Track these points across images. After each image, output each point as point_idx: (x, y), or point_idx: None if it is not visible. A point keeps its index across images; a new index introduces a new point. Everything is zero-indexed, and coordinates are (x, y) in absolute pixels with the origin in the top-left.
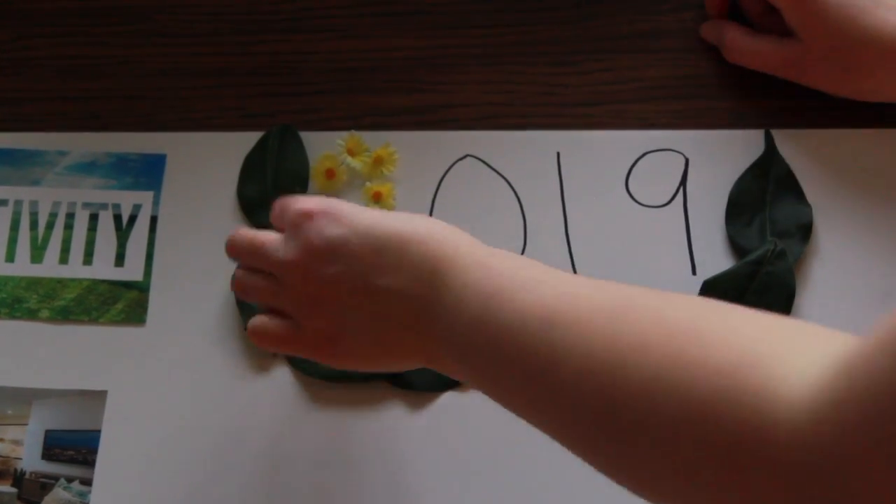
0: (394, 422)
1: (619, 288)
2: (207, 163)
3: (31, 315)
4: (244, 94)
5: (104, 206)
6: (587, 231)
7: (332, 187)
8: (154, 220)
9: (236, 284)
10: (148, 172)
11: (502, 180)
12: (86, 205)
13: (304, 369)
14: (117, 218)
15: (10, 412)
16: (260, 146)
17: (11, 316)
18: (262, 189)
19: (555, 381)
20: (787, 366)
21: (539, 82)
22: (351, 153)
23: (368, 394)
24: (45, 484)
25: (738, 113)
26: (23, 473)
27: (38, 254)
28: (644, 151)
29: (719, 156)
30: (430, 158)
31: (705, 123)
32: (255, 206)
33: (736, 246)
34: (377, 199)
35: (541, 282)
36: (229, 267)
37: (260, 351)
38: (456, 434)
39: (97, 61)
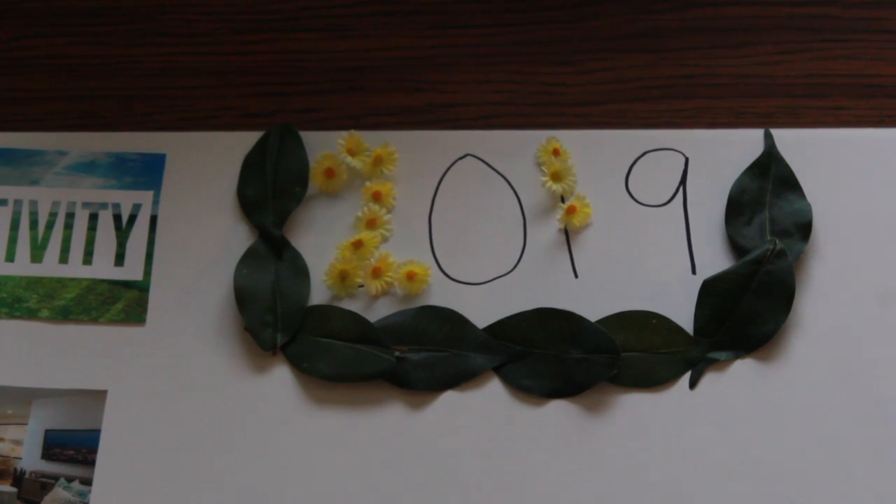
0: (394, 422)
1: None
2: (207, 162)
3: (31, 315)
4: (244, 94)
5: (104, 206)
6: (587, 231)
7: (331, 186)
8: (154, 219)
9: None
10: (148, 172)
11: (502, 180)
12: (85, 204)
13: (304, 369)
14: (117, 218)
15: (10, 412)
16: (260, 146)
17: (11, 316)
18: (262, 189)
19: None
20: None
21: (539, 82)
22: (351, 152)
23: (368, 394)
24: (45, 483)
25: (738, 113)
26: (23, 473)
27: (37, 253)
28: (644, 151)
29: (719, 155)
30: (430, 158)
31: (705, 123)
32: (255, 206)
33: (736, 245)
34: (377, 199)
35: None
36: (229, 267)
37: (260, 351)
38: (456, 434)
39: (97, 61)
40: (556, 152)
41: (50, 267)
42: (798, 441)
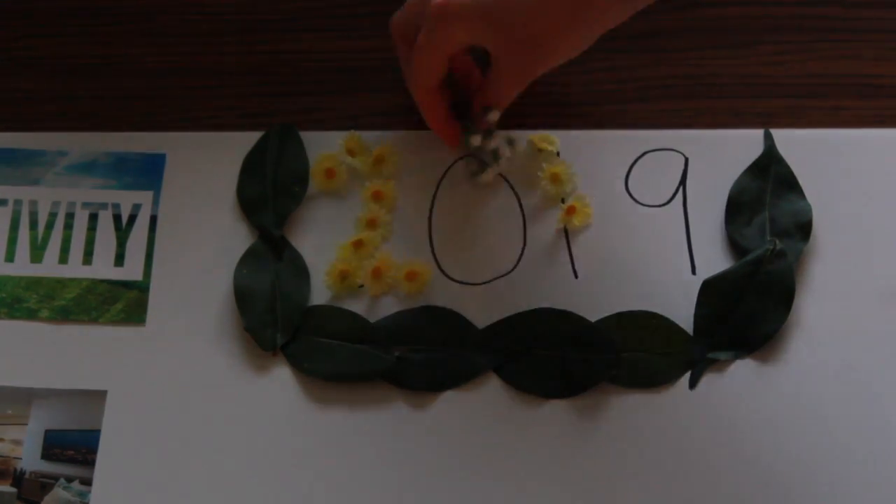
0: (394, 422)
1: None
2: (207, 162)
3: (31, 315)
4: (244, 94)
5: (104, 206)
6: (587, 230)
7: (331, 187)
8: (154, 219)
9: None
10: (148, 172)
11: (501, 180)
12: (85, 204)
13: (305, 369)
14: (117, 218)
15: (10, 412)
16: (260, 146)
17: (11, 316)
18: (261, 189)
19: None
20: None
21: (539, 82)
22: (351, 153)
23: (368, 394)
24: (44, 484)
25: (738, 113)
26: (22, 473)
27: (37, 254)
28: (644, 151)
29: (719, 155)
30: (430, 158)
31: (705, 123)
32: (255, 206)
33: (735, 245)
34: (377, 199)
35: None
36: (229, 267)
37: (260, 351)
38: (456, 434)
39: (97, 61)
40: (545, 139)
41: (50, 267)
42: (798, 441)
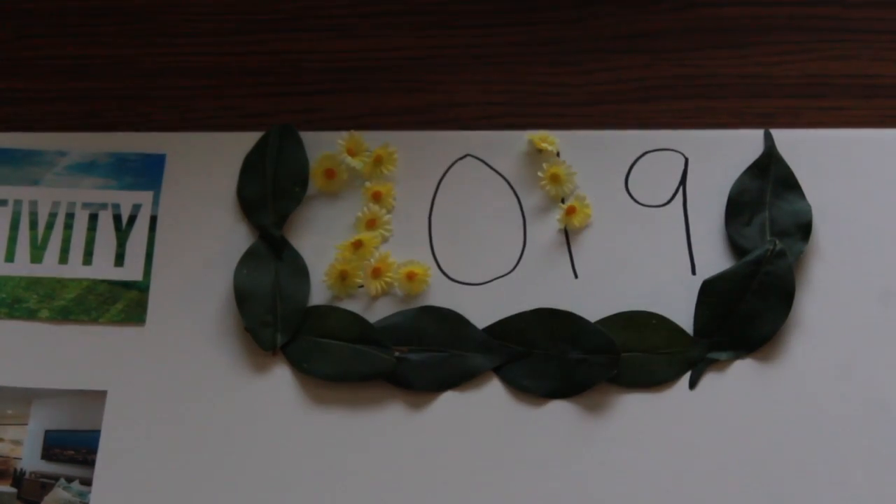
0: (394, 422)
1: None
2: (207, 163)
3: (31, 315)
4: (244, 94)
5: (104, 206)
6: (587, 231)
7: (331, 187)
8: (154, 219)
9: None
10: (147, 172)
11: (501, 180)
12: (85, 205)
13: (304, 369)
14: (117, 218)
15: (10, 412)
16: (260, 146)
17: (11, 316)
18: (261, 189)
19: None
20: None
21: (539, 82)
22: (350, 153)
23: (368, 394)
24: (44, 484)
25: (738, 113)
26: (22, 473)
27: (37, 254)
28: (644, 151)
29: (719, 155)
30: (430, 158)
31: (705, 123)
32: (254, 206)
33: (735, 245)
34: (377, 199)
35: None
36: (229, 267)
37: (260, 351)
38: (456, 434)
39: (97, 61)
40: (545, 140)
41: (50, 267)
42: (798, 441)
